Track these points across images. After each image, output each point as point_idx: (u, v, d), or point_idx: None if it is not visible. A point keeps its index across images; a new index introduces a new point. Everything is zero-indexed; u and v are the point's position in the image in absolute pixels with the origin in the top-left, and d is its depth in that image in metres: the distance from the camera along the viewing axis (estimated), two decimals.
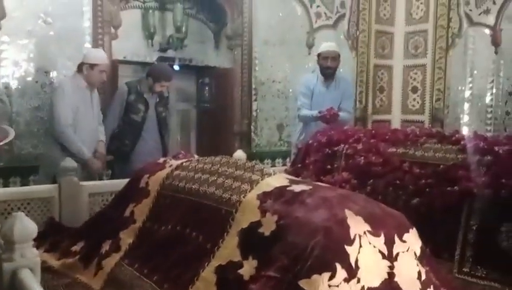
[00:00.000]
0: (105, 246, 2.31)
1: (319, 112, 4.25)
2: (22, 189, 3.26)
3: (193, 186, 2.16)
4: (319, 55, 4.54)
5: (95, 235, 2.45)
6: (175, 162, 2.47)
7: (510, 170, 2.10)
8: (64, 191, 2.85)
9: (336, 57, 4.50)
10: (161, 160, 2.61)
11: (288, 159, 5.01)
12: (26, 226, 1.66)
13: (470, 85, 5.59)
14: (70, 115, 3.67)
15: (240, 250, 1.73)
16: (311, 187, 1.82)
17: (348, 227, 1.54)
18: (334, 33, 5.61)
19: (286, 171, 2.94)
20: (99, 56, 3.87)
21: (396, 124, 5.80)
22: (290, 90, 5.39)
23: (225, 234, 1.84)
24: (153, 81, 4.11)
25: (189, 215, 2.08)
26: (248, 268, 1.65)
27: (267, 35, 5.24)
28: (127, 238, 2.29)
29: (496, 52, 5.27)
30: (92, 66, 3.78)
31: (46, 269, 2.21)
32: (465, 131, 5.17)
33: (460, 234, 2.19)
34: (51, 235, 2.63)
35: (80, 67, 3.83)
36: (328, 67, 4.45)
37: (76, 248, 2.44)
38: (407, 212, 1.80)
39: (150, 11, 5.10)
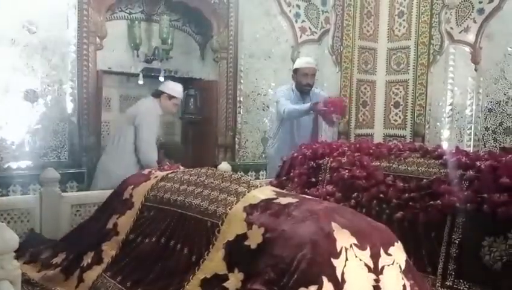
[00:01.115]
0: (87, 259, 2.28)
1: (314, 103, 4.01)
2: (1, 199, 3.19)
3: (178, 198, 2.15)
4: (296, 70, 4.40)
5: (77, 247, 2.41)
6: (160, 173, 2.46)
7: (492, 185, 2.12)
8: (45, 201, 2.80)
9: (314, 74, 4.39)
10: (146, 171, 2.59)
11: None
12: (7, 237, 1.62)
13: (451, 101, 5.70)
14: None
15: (225, 263, 1.72)
16: (297, 200, 1.82)
17: (334, 240, 1.54)
18: (319, 48, 5.68)
19: (271, 184, 2.94)
20: (178, 90, 4.39)
21: (378, 139, 5.87)
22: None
23: (210, 246, 1.83)
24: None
25: (174, 227, 2.06)
26: (234, 281, 1.64)
27: (253, 48, 5.28)
28: (109, 250, 2.26)
29: (476, 70, 5.39)
30: (171, 97, 4.29)
31: (25, 281, 2.17)
32: (446, 146, 5.25)
33: (443, 248, 2.20)
34: (31, 247, 2.57)
35: (156, 95, 4.31)
36: (307, 84, 4.34)
37: (57, 259, 2.40)
38: (390, 226, 1.82)
39: (136, 22, 5.08)
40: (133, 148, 4.13)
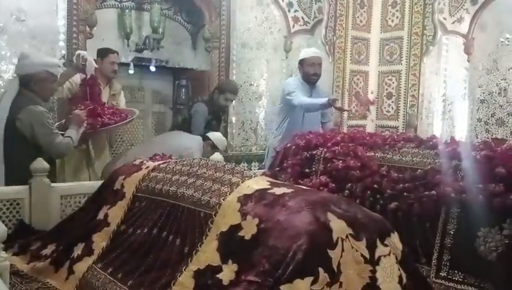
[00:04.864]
0: (77, 250, 2.24)
1: (332, 99, 3.97)
2: None
3: (171, 189, 2.11)
4: (302, 61, 4.36)
5: (67, 238, 2.37)
6: (152, 164, 2.41)
7: (487, 175, 2.11)
8: (34, 192, 2.74)
9: (321, 64, 4.35)
10: (137, 161, 2.54)
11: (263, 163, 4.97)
12: None
13: (443, 92, 5.70)
14: None
15: (219, 254, 1.69)
16: (292, 190, 1.79)
17: (330, 231, 1.52)
18: (312, 38, 5.64)
19: (264, 175, 2.91)
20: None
21: (371, 130, 5.86)
22: (267, 93, 5.39)
23: (204, 237, 1.80)
24: (218, 94, 4.49)
25: (166, 218, 2.02)
26: (228, 273, 1.61)
27: (245, 38, 5.22)
28: (100, 241, 2.22)
29: (469, 60, 5.40)
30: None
31: (14, 273, 2.13)
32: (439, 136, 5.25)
33: (438, 238, 2.19)
34: (20, 238, 2.53)
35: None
36: (314, 74, 4.30)
37: (46, 251, 2.36)
38: (384, 217, 1.80)
39: (127, 10, 5.02)
40: None
